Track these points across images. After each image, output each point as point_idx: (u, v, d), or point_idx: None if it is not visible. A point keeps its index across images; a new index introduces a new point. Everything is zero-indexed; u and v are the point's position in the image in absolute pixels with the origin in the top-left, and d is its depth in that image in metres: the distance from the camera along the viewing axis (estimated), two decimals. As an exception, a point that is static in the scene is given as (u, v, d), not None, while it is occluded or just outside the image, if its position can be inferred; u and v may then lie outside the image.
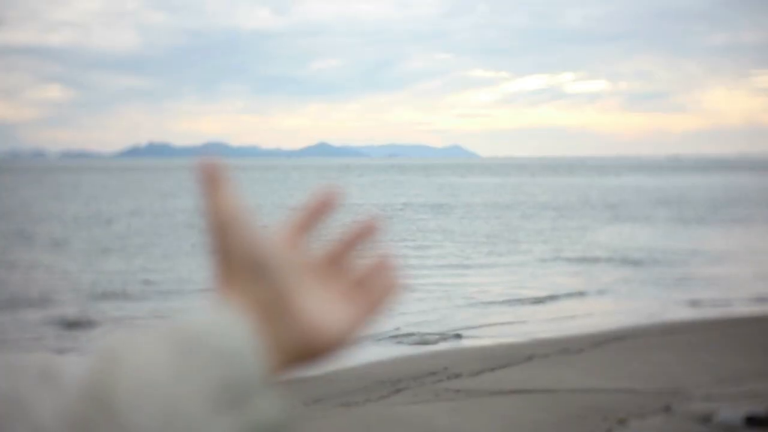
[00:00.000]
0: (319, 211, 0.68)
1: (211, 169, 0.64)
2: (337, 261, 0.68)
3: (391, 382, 7.31)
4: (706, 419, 5.70)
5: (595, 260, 17.22)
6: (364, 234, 0.69)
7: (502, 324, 10.75)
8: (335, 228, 0.70)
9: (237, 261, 0.63)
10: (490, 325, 10.70)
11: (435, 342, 9.70)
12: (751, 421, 5.53)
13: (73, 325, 10.96)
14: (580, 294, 13.18)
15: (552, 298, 12.75)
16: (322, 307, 0.65)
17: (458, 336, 9.94)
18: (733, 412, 5.68)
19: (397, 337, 9.72)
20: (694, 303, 11.74)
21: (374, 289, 0.68)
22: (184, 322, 0.61)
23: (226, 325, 0.61)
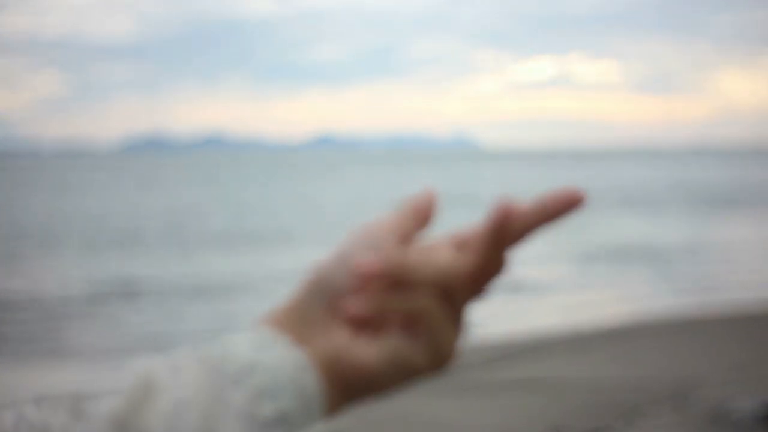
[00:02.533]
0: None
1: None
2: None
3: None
4: (719, 412, 5.73)
5: (605, 251, 17.27)
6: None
7: (506, 314, 10.83)
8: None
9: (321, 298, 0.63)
10: (493, 315, 10.76)
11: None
12: (763, 415, 5.57)
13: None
14: (586, 285, 13.24)
15: (557, 288, 12.82)
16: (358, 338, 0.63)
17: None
18: (747, 405, 5.71)
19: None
20: (702, 294, 11.77)
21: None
22: (224, 350, 0.61)
23: (274, 359, 0.61)
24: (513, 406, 6.23)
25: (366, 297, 0.62)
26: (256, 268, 15.22)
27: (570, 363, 7.62)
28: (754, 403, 5.71)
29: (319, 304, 0.63)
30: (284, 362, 0.60)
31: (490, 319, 10.40)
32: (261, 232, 21.83)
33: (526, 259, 16.39)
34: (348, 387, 0.63)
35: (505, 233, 0.61)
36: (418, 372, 0.63)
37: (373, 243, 0.63)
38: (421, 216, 0.65)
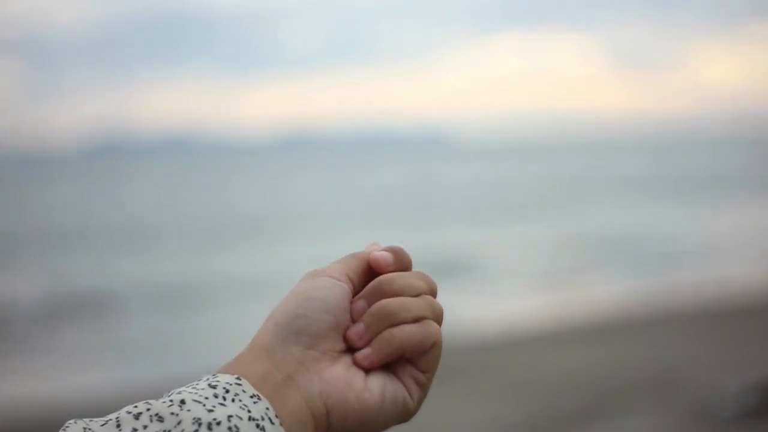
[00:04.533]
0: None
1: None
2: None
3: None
4: (701, 405, 5.82)
5: (591, 242, 17.40)
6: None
7: (485, 307, 10.93)
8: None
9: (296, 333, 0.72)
10: (472, 308, 10.82)
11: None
12: (745, 409, 5.64)
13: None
14: (574, 278, 13.32)
15: (542, 282, 12.89)
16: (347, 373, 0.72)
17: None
18: (728, 397, 5.79)
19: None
20: (689, 288, 11.88)
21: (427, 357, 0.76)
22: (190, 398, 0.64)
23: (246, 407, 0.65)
24: (493, 400, 6.31)
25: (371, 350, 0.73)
26: (221, 277, 15.22)
27: (551, 357, 7.69)
28: (735, 396, 5.80)
29: (296, 346, 0.70)
30: (242, 419, 0.63)
31: (468, 311, 10.46)
32: (228, 239, 21.82)
33: (506, 251, 16.56)
34: (347, 427, 0.70)
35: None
36: (406, 412, 0.73)
37: (325, 295, 0.74)
38: (366, 267, 0.77)
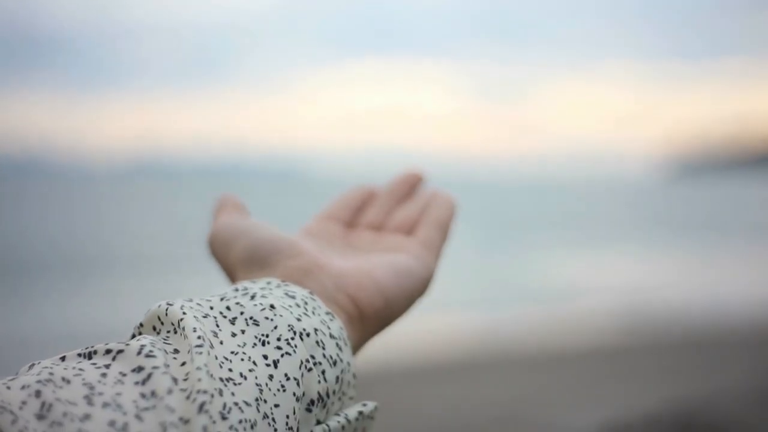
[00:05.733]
0: (399, 189, 0.84)
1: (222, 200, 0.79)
2: (379, 225, 0.82)
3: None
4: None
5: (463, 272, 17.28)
6: (406, 185, 0.85)
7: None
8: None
9: (245, 259, 0.71)
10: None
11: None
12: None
13: None
14: (440, 309, 13.14)
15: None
16: (359, 260, 0.73)
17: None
18: (578, 424, 5.77)
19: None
20: (539, 327, 11.83)
21: (431, 214, 0.80)
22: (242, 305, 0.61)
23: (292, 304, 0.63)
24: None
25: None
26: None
27: (419, 390, 7.49)
28: (586, 424, 5.76)
29: (282, 262, 0.70)
30: (324, 333, 0.63)
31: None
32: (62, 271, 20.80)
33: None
34: (378, 317, 0.70)
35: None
36: (422, 281, 0.74)
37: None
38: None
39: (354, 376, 0.64)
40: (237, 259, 0.70)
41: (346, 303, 0.68)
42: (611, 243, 25.62)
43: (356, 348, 0.69)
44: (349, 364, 0.63)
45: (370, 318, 0.69)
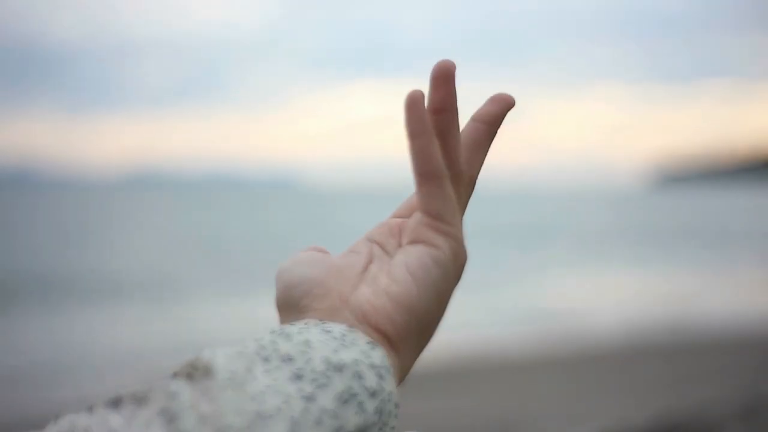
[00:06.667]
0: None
1: None
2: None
3: None
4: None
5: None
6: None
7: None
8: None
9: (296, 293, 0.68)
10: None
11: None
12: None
13: None
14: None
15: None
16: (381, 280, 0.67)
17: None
18: None
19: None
20: (532, 339, 11.81)
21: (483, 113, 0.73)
22: (301, 346, 0.60)
23: (356, 361, 0.61)
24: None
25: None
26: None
27: (413, 403, 7.41)
28: None
29: (311, 304, 0.67)
30: (364, 364, 0.61)
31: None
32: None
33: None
34: (409, 335, 0.66)
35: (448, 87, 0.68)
36: (442, 266, 0.67)
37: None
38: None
39: (396, 405, 0.63)
40: (277, 303, 0.69)
41: (371, 333, 0.65)
42: (601, 255, 25.59)
43: (404, 372, 0.67)
44: (390, 393, 0.61)
45: (400, 338, 0.66)
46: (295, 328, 0.62)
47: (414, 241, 0.67)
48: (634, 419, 6.40)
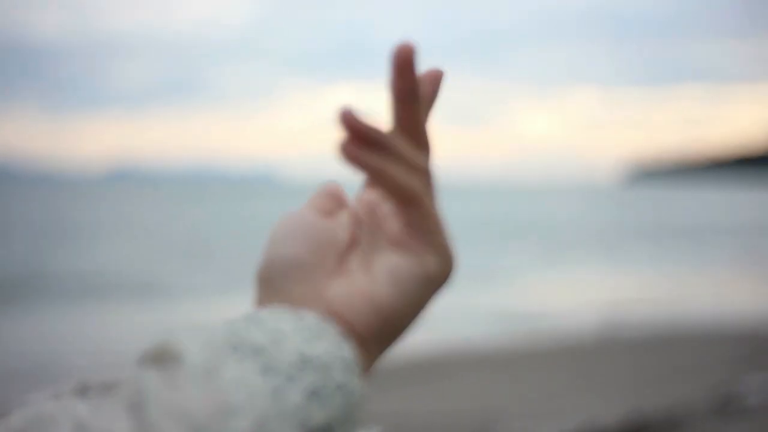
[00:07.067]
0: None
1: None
2: None
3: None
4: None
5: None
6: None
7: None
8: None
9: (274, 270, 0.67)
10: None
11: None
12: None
13: None
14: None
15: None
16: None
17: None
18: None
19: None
20: (509, 334, 11.88)
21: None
22: (270, 336, 0.59)
23: (324, 353, 0.59)
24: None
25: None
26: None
27: (378, 396, 7.43)
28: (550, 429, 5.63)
29: (288, 286, 0.67)
30: (333, 358, 0.59)
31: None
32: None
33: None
34: (381, 337, 0.66)
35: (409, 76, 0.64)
36: (429, 279, 0.66)
37: (303, 223, 0.69)
38: (335, 197, 0.72)
39: (363, 399, 0.61)
40: (258, 273, 0.69)
41: (342, 328, 0.64)
42: (575, 250, 25.64)
43: (367, 369, 0.66)
44: (357, 387, 0.60)
45: (372, 338, 0.65)
46: (267, 314, 0.61)
47: (401, 246, 0.66)
48: (608, 416, 6.46)
